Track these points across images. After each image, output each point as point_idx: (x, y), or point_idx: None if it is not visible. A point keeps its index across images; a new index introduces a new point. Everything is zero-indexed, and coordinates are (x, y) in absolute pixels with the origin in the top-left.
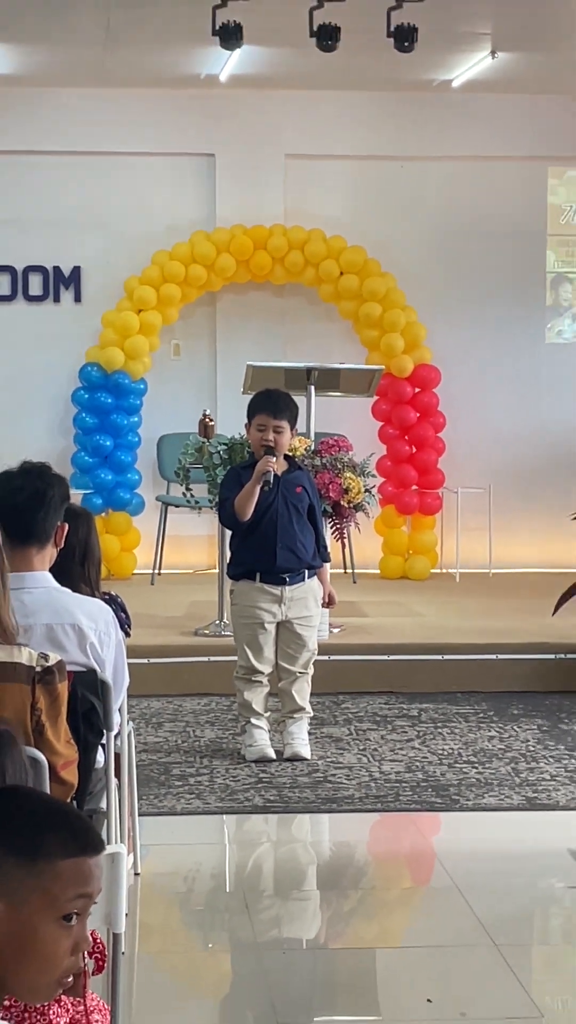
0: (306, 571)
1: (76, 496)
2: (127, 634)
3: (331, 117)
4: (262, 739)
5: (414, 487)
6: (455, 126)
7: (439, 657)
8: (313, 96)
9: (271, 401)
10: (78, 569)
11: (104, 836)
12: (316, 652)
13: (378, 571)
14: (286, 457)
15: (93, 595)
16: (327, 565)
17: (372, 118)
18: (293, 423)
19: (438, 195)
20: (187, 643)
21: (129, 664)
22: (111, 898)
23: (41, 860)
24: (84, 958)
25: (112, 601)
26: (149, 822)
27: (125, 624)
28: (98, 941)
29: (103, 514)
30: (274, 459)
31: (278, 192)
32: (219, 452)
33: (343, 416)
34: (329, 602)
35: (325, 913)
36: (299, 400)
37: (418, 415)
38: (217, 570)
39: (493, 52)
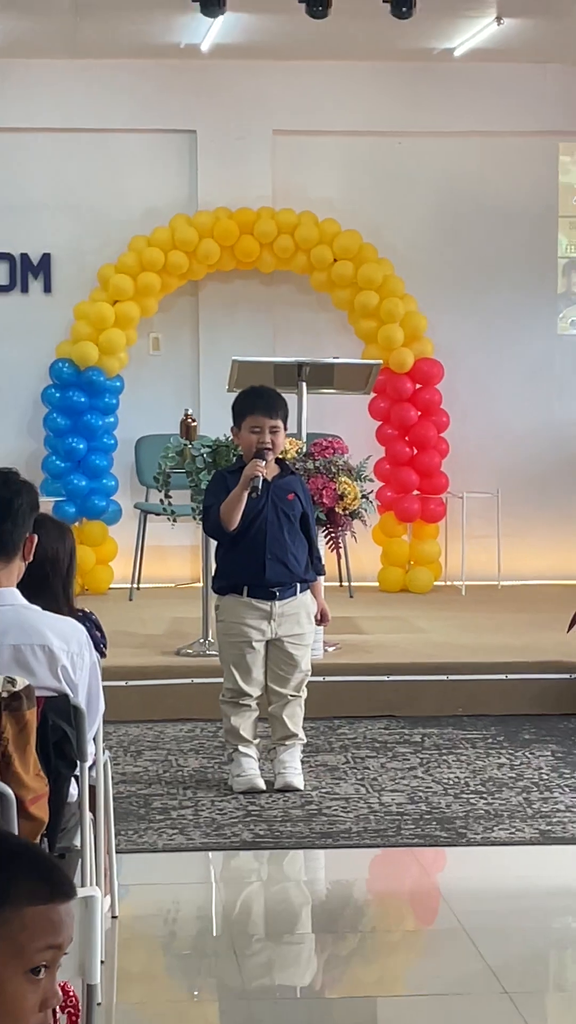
0: (298, 585)
1: (47, 504)
2: (103, 654)
3: (323, 90)
4: (251, 768)
5: (415, 492)
6: (458, 99)
7: (444, 677)
8: (303, 67)
9: (263, 399)
10: (48, 584)
11: (78, 877)
12: (309, 673)
13: (377, 584)
14: (277, 460)
15: (65, 612)
16: (321, 578)
17: (367, 90)
18: (286, 421)
19: (439, 174)
20: (169, 664)
21: (105, 687)
22: (85, 946)
23: (5, 908)
24: (56, 1014)
25: (86, 619)
26: (128, 860)
27: (100, 644)
28: (70, 994)
29: (76, 523)
30: (264, 463)
31: (265, 172)
32: (202, 455)
33: (337, 415)
34: (322, 619)
35: (321, 958)
36: (289, 398)
37: (419, 414)
38: (201, 584)
39: (499, 18)
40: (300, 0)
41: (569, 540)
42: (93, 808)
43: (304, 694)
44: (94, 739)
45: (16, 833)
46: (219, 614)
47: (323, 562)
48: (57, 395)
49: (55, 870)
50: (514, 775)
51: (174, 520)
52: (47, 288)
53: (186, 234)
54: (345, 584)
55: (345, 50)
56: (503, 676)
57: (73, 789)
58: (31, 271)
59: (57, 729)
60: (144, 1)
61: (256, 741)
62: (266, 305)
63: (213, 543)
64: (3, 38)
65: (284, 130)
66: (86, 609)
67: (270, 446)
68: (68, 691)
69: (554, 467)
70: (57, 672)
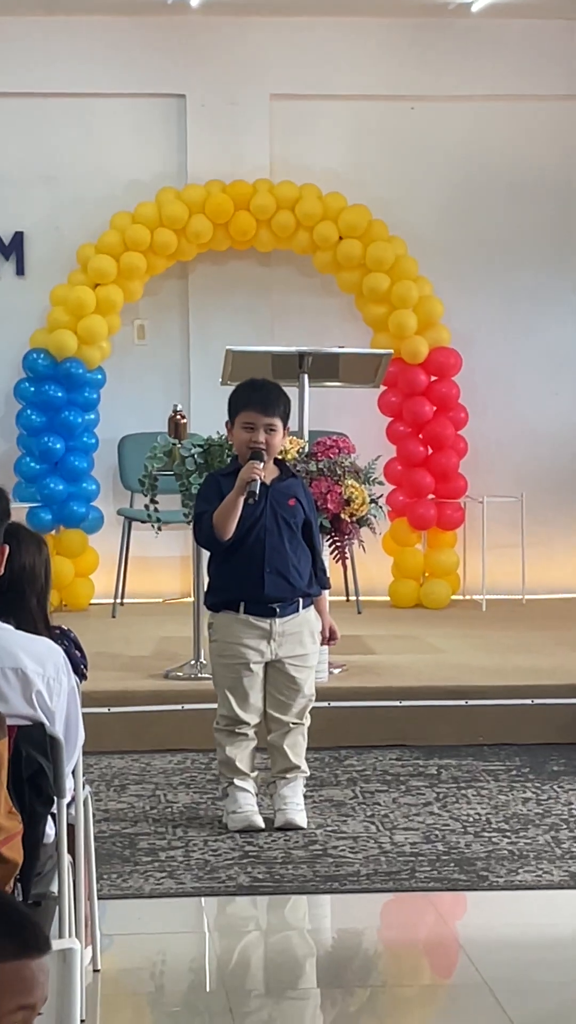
0: (300, 600)
1: (20, 510)
2: (83, 677)
3: (326, 49)
4: (248, 804)
5: (430, 496)
6: (476, 59)
7: (462, 703)
8: (304, 24)
9: (260, 394)
10: (24, 601)
11: (55, 927)
12: (313, 698)
13: (387, 598)
14: (277, 462)
15: (41, 631)
16: (326, 592)
17: (376, 50)
18: (286, 420)
19: (456, 143)
20: (156, 688)
21: (85, 714)
22: (63, 1004)
23: None
24: None
25: (64, 636)
26: (111, 907)
27: (80, 664)
28: None
29: (53, 531)
30: (261, 464)
31: (263, 140)
32: (193, 456)
33: (343, 411)
34: (330, 637)
35: (327, 1015)
36: (290, 392)
37: (435, 409)
38: (192, 599)
39: None
40: None
41: None
42: (72, 850)
43: (307, 722)
44: (73, 773)
45: None
46: (212, 633)
47: (328, 574)
48: (31, 389)
49: (26, 921)
50: (541, 811)
51: (159, 528)
52: (20, 270)
53: (175, 210)
54: (353, 599)
55: (351, 5)
56: (528, 701)
57: (50, 829)
58: (2, 252)
59: (32, 762)
60: None
61: (254, 774)
62: (264, 289)
63: (205, 554)
64: None
65: (283, 94)
66: (64, 626)
67: (263, 446)
68: (43, 719)
69: None
70: (31, 698)
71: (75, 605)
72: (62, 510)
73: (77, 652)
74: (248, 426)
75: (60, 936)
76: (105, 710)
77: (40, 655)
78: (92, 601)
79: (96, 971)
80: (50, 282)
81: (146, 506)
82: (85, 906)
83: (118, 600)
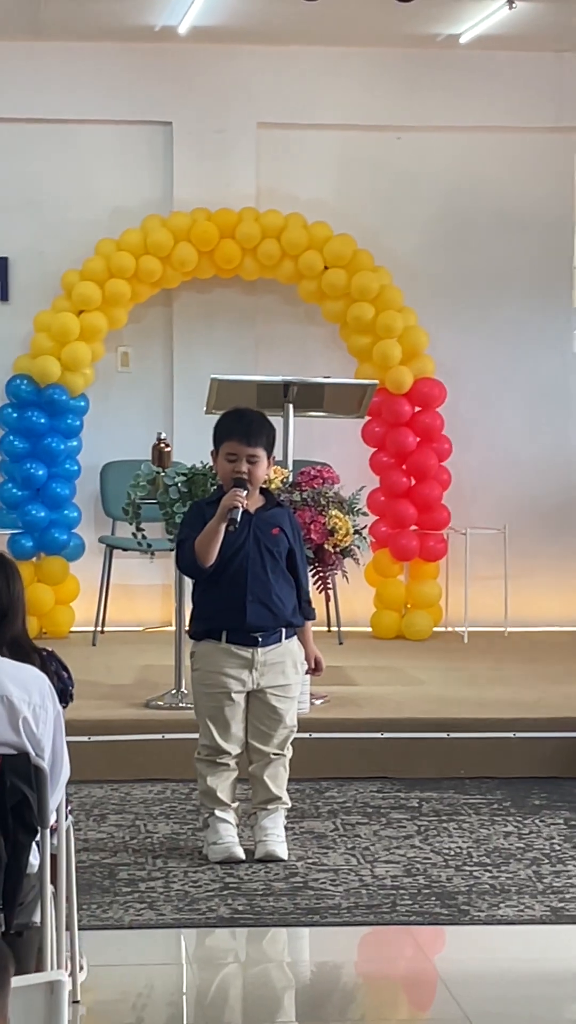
0: (283, 630)
1: (1, 537)
2: (71, 697)
3: (314, 78)
4: (228, 835)
5: (413, 527)
6: (464, 90)
7: (444, 735)
8: (292, 53)
9: (242, 424)
10: (13, 627)
11: (38, 956)
12: (295, 729)
13: (369, 629)
14: (262, 491)
15: (30, 656)
16: (310, 623)
17: (363, 80)
18: (270, 450)
19: (443, 173)
20: (137, 717)
21: (67, 743)
22: None
23: None
24: None
25: (51, 658)
26: (91, 937)
27: (67, 684)
28: None
29: (34, 559)
30: (244, 492)
31: (249, 169)
32: (176, 484)
33: (328, 441)
34: (316, 667)
35: None
36: (274, 421)
37: (418, 440)
38: (174, 628)
39: (511, 1)
40: None
41: None
42: (54, 880)
43: (289, 753)
44: (57, 802)
45: None
46: (194, 662)
47: (313, 604)
48: (14, 415)
49: None
50: (523, 845)
51: (152, 555)
52: (4, 296)
53: (160, 237)
54: (335, 629)
55: (339, 35)
56: (510, 734)
57: (33, 859)
58: None
59: (16, 791)
60: None
61: (235, 805)
62: (248, 317)
63: (189, 582)
64: None
65: (270, 123)
66: (49, 649)
67: (245, 476)
68: (29, 748)
69: (568, 501)
70: (17, 726)
71: (55, 633)
72: (43, 537)
73: (64, 672)
74: (231, 457)
75: (39, 968)
76: (85, 739)
77: (26, 682)
78: (72, 629)
79: (75, 1003)
80: (34, 308)
81: (134, 534)
82: (66, 936)
83: (99, 628)
